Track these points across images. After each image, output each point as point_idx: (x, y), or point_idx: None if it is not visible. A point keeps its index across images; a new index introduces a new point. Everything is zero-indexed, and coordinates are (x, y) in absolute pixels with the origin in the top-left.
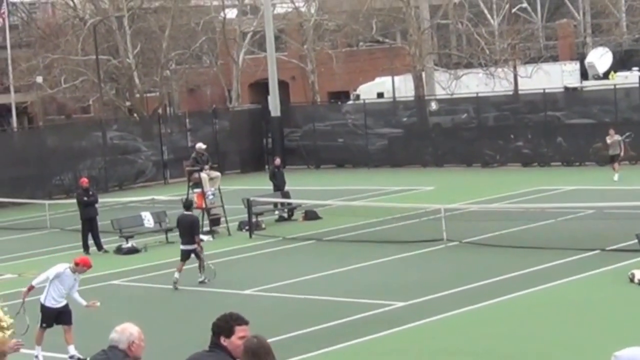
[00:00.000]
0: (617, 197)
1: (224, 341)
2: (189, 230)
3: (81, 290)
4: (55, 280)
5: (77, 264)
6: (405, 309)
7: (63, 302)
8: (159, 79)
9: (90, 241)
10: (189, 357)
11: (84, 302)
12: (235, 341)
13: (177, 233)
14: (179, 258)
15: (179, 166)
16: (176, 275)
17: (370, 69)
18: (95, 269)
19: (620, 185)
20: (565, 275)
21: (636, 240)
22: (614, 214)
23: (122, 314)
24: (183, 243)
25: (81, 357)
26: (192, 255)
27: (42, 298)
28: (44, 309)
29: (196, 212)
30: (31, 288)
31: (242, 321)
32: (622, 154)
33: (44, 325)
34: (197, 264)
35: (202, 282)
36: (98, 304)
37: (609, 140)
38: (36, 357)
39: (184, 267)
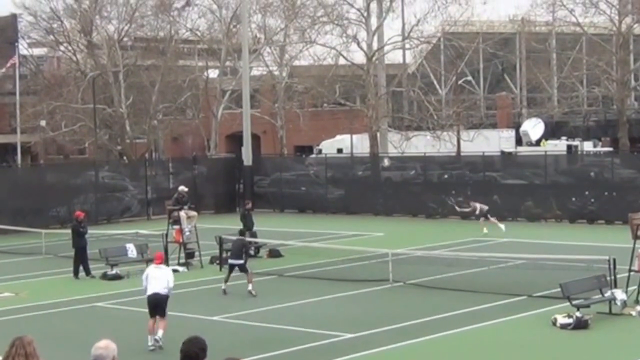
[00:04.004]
0: (544, 250)
1: None
2: (238, 249)
3: (68, 311)
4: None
5: (158, 263)
6: (353, 340)
7: (164, 291)
8: (147, 128)
9: (80, 267)
10: None
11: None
12: None
13: None
14: None
15: (161, 205)
16: (223, 286)
17: (332, 128)
18: (83, 291)
19: (547, 239)
20: (496, 317)
21: (559, 289)
22: (541, 264)
23: (105, 332)
24: (231, 258)
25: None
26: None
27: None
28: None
29: (173, 247)
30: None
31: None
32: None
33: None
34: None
35: (250, 292)
36: None
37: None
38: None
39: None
